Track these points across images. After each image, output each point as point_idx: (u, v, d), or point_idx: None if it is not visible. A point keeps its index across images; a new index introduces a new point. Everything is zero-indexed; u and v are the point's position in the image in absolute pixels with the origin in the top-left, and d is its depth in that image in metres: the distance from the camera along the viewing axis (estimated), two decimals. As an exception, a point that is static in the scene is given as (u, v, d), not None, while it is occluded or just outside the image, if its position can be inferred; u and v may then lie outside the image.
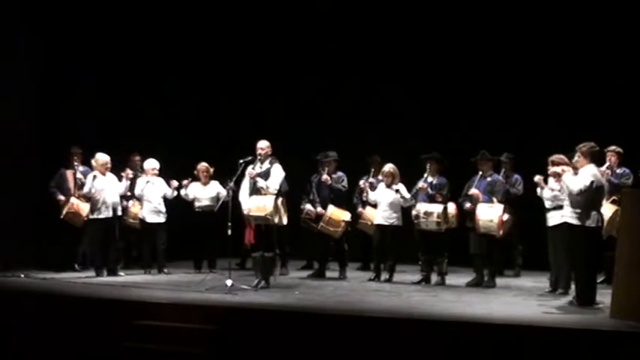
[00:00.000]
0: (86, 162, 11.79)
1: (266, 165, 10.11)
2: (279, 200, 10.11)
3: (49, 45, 12.51)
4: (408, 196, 10.93)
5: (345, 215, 11.39)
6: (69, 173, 11.89)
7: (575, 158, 8.93)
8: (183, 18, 13.76)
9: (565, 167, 8.89)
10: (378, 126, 13.42)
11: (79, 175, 11.71)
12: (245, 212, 10.07)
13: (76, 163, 11.81)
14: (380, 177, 11.31)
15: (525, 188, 11.15)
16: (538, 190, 9.94)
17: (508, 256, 11.70)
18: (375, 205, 11.32)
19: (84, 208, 11.48)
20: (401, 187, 11.01)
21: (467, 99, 13.12)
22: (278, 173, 10.10)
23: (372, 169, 11.80)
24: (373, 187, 11.42)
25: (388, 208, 11.04)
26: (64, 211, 11.56)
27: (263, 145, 10.13)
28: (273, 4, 13.97)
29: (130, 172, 11.56)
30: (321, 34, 13.82)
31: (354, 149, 12.43)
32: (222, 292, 9.46)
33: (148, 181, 11.63)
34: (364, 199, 11.54)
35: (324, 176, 11.48)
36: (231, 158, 10.38)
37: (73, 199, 11.62)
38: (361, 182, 11.58)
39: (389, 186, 11.06)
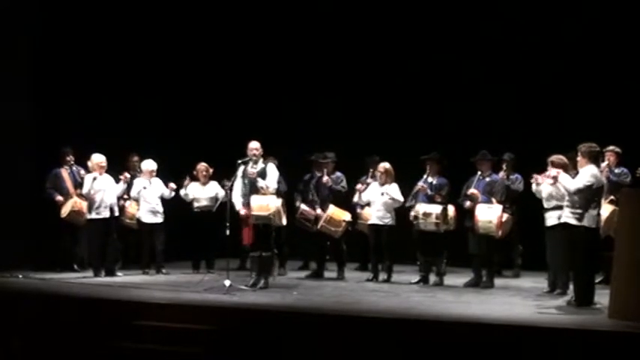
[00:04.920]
0: (78, 162, 11.86)
1: (260, 165, 10.15)
2: (279, 201, 10.14)
3: (48, 44, 12.52)
4: (398, 197, 10.89)
5: (346, 215, 11.39)
6: (64, 172, 11.91)
7: (577, 158, 8.93)
8: (183, 16, 13.74)
9: (561, 170, 8.90)
10: (377, 126, 13.40)
11: (82, 173, 11.74)
12: (242, 213, 10.06)
13: (71, 162, 11.86)
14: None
15: (525, 189, 11.14)
16: (533, 186, 9.89)
17: (507, 256, 11.69)
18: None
19: (86, 206, 11.50)
20: (392, 187, 10.98)
21: (468, 99, 13.07)
22: (274, 172, 10.16)
23: (371, 170, 11.77)
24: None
25: (382, 207, 11.02)
26: (69, 210, 11.56)
27: (256, 145, 10.16)
28: (272, 4, 13.98)
29: (127, 176, 11.58)
30: (319, 33, 13.79)
31: (353, 149, 12.42)
32: (221, 292, 9.46)
33: (145, 187, 11.62)
34: (356, 200, 11.53)
35: (325, 177, 11.46)
36: (230, 159, 10.38)
37: (76, 198, 11.63)
38: (358, 185, 11.57)
39: (383, 185, 11.06)
